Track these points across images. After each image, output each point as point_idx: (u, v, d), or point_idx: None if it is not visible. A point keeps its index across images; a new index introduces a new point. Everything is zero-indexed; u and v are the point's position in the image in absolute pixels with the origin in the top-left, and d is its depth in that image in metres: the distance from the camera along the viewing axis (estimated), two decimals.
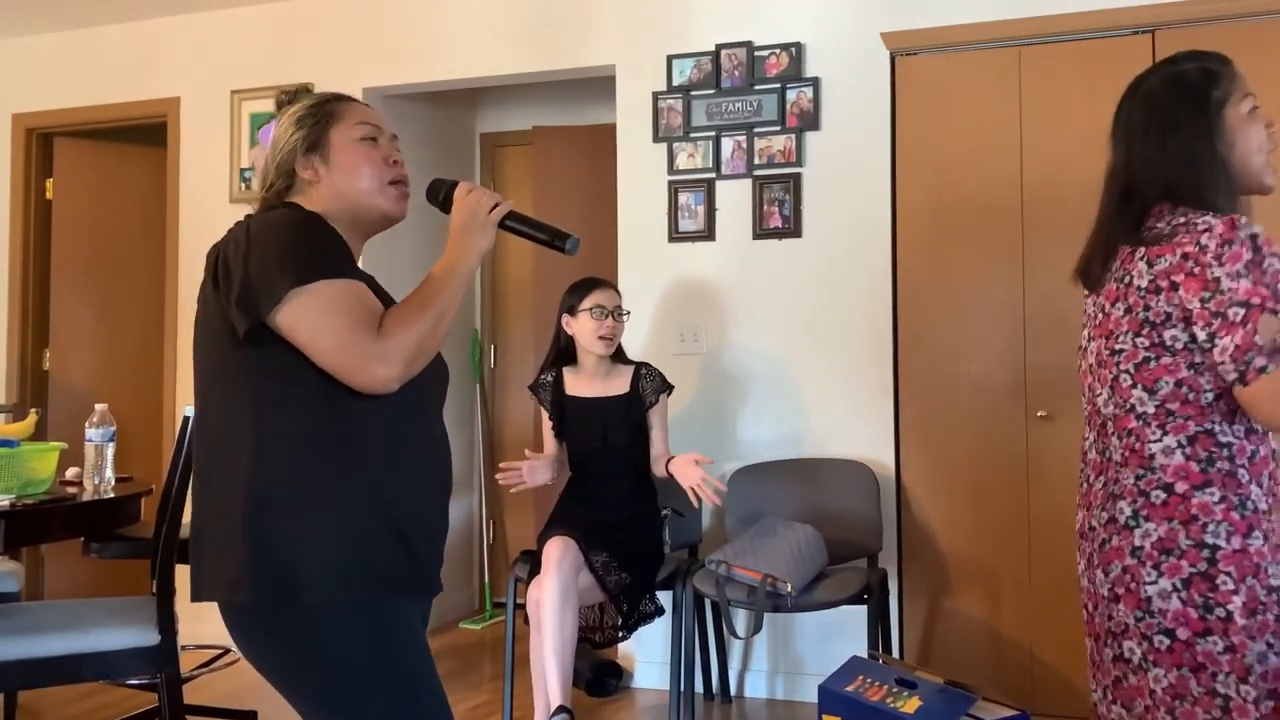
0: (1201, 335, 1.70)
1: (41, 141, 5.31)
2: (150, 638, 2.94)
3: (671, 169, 4.23)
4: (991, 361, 3.84)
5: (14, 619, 2.95)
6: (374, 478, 1.70)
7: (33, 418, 3.33)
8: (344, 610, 1.66)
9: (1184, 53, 1.90)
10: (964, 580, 3.86)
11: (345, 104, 1.88)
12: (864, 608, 3.57)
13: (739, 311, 4.16)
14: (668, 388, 3.76)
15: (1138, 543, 1.77)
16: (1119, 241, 1.85)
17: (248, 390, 1.68)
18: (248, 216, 1.76)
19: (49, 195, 5.32)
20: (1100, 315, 1.87)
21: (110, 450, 3.21)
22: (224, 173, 4.90)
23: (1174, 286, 1.73)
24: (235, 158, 4.88)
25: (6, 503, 2.86)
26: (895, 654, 3.85)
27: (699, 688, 3.96)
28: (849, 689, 2.79)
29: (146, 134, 5.25)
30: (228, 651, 4.26)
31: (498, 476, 3.60)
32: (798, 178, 4.07)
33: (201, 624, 4.03)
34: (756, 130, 4.12)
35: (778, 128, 4.10)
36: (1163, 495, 1.76)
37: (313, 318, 1.63)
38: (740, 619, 4.00)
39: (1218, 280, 1.68)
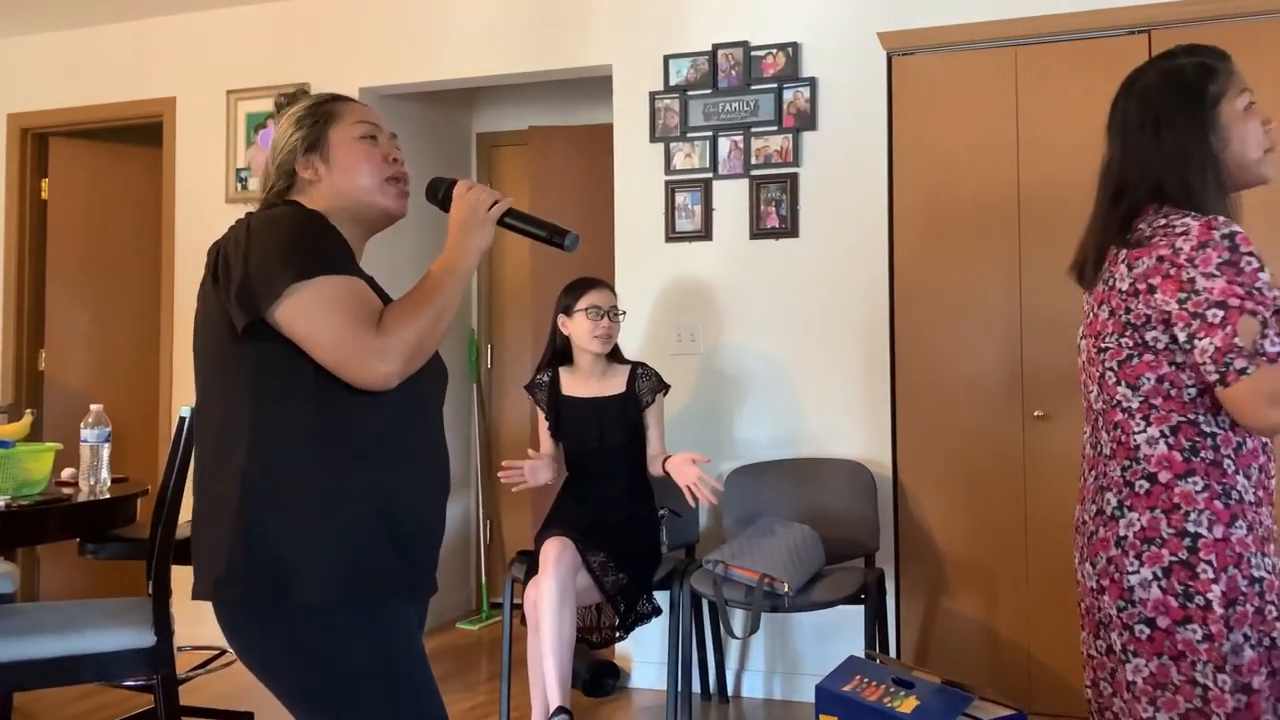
0: (1182, 336, 1.71)
1: (37, 141, 5.30)
2: (146, 639, 2.93)
3: (668, 169, 4.23)
4: (988, 361, 3.85)
5: (9, 620, 2.94)
6: (371, 476, 1.70)
7: (28, 418, 3.32)
8: (338, 609, 1.66)
9: (1181, 47, 1.90)
10: (961, 580, 3.86)
11: (344, 104, 1.88)
12: (861, 607, 3.57)
13: (736, 311, 4.16)
14: (664, 387, 3.76)
15: (1122, 533, 1.78)
16: (1108, 242, 1.86)
17: (246, 386, 1.68)
18: (249, 214, 1.76)
19: (44, 195, 5.31)
20: (1091, 315, 1.89)
21: (106, 451, 3.20)
22: (220, 173, 4.89)
23: (1151, 290, 1.74)
24: (231, 158, 4.88)
25: (1, 504, 2.85)
26: (892, 654, 3.85)
27: (696, 688, 3.96)
28: (846, 689, 2.79)
29: (142, 134, 5.24)
30: (224, 652, 4.25)
31: (500, 475, 3.59)
32: (794, 178, 4.08)
33: (198, 625, 4.03)
34: (753, 130, 4.12)
35: (774, 128, 4.10)
36: (1146, 485, 1.77)
37: (312, 313, 1.62)
38: (737, 619, 4.00)
39: (1193, 281, 1.69)
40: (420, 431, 1.79)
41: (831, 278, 4.03)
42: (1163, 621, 1.73)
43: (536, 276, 5.00)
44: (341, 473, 1.68)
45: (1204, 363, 1.68)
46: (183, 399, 4.80)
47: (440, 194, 1.86)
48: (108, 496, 3.13)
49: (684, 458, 3.49)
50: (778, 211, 4.09)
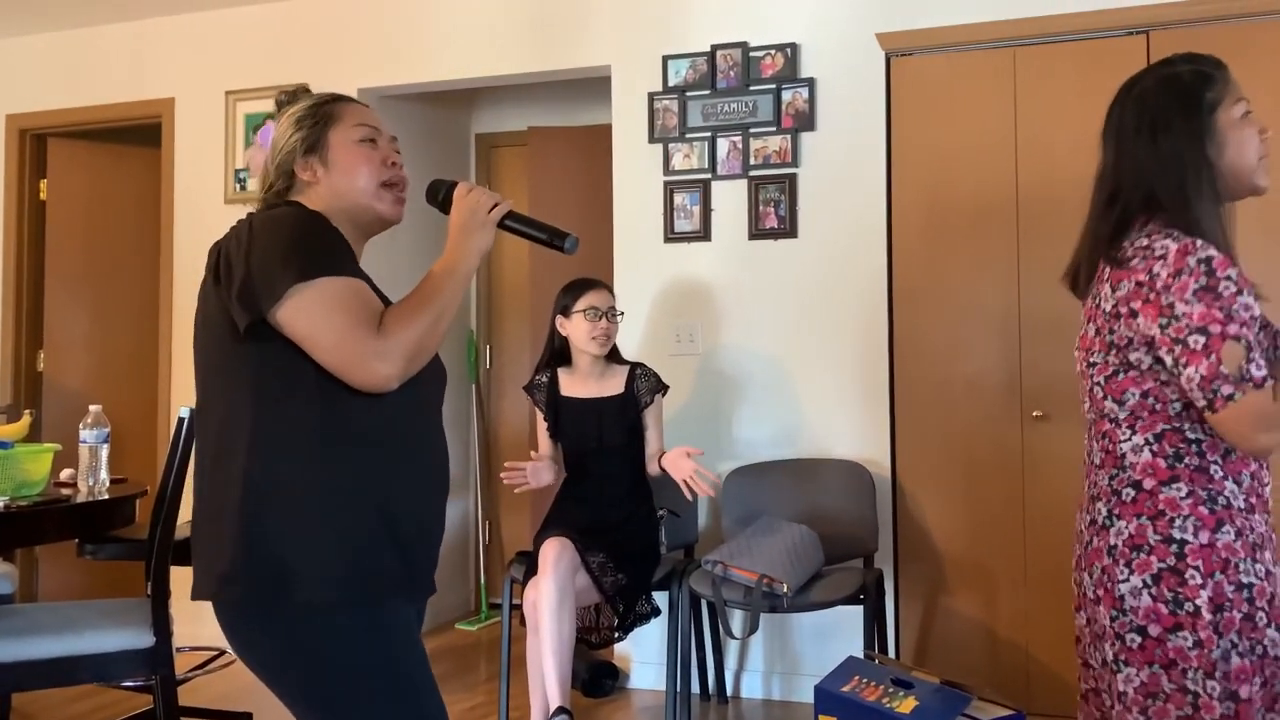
0: (1168, 360, 1.72)
1: (35, 142, 5.30)
2: (145, 639, 2.93)
3: (667, 169, 4.23)
4: (987, 361, 3.85)
5: (8, 621, 2.94)
6: (372, 475, 1.70)
7: (27, 419, 3.32)
8: (339, 609, 1.66)
9: (1179, 55, 1.90)
10: (960, 580, 3.86)
11: (344, 105, 1.88)
12: (860, 608, 3.57)
13: (735, 312, 4.16)
14: (663, 388, 3.76)
15: (1112, 541, 1.79)
16: (1098, 255, 1.86)
17: (247, 386, 1.68)
18: (250, 214, 1.76)
19: (43, 196, 5.31)
20: (1082, 328, 1.91)
21: (105, 452, 3.20)
22: (219, 174, 4.89)
23: (1133, 314, 1.75)
24: (230, 158, 4.88)
25: (1, 504, 2.85)
26: (891, 654, 3.85)
27: (695, 688, 3.96)
28: (845, 689, 2.79)
29: (141, 135, 5.23)
30: (223, 653, 4.25)
31: (502, 476, 3.59)
32: (793, 178, 4.08)
33: (197, 626, 4.03)
34: (752, 131, 4.12)
35: (773, 128, 4.10)
36: (1132, 493, 1.78)
37: (314, 314, 1.62)
38: (736, 619, 4.00)
39: (1172, 306, 1.70)
40: (420, 431, 1.79)
41: (830, 278, 4.04)
42: (1154, 629, 1.73)
43: (536, 277, 5.00)
44: (342, 472, 1.68)
45: (1191, 390, 1.69)
46: (182, 399, 4.80)
47: (440, 196, 1.86)
48: (106, 497, 3.13)
49: (679, 452, 3.49)
50: (776, 212, 4.09)
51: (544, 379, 3.79)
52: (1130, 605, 1.75)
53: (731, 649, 4.13)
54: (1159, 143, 1.81)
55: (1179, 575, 1.72)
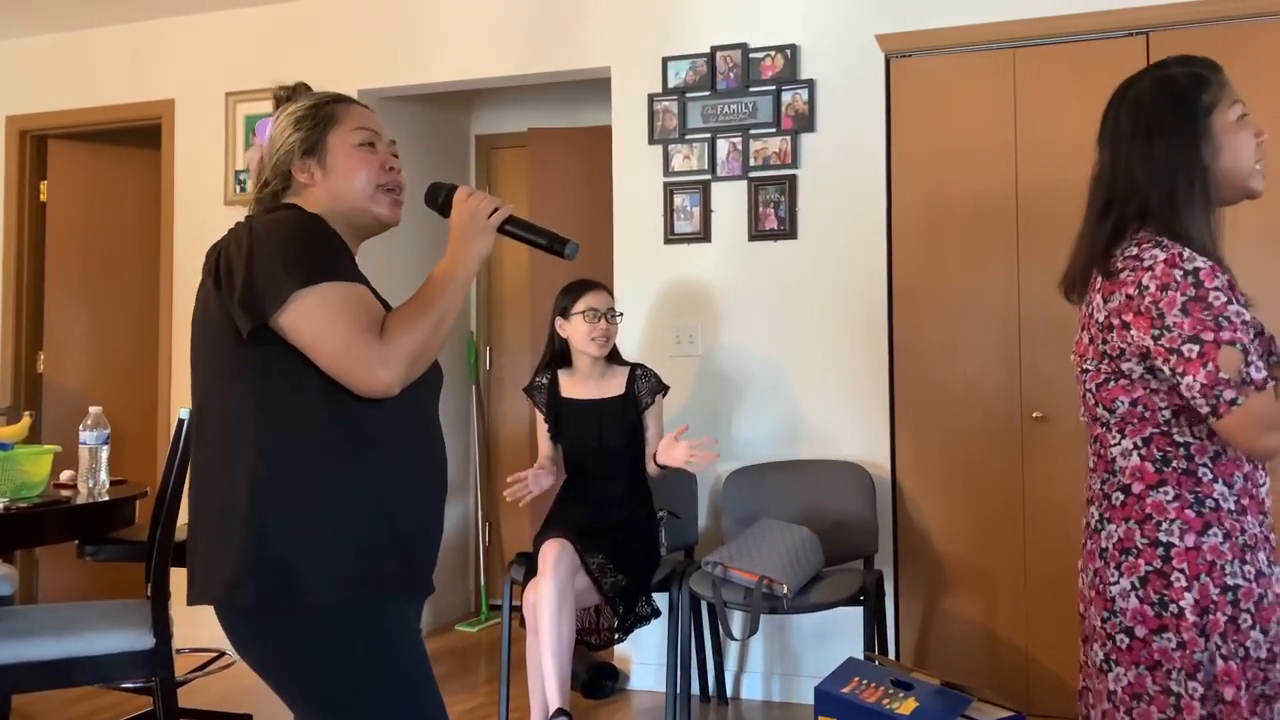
0: (1165, 371, 1.72)
1: (35, 144, 5.30)
2: (145, 641, 2.93)
3: (667, 171, 4.23)
4: (987, 363, 3.85)
5: (8, 622, 2.94)
6: (374, 477, 1.70)
7: (27, 420, 3.32)
8: (344, 611, 1.66)
9: (1174, 57, 1.89)
10: (960, 581, 3.86)
11: (344, 106, 1.87)
12: (860, 609, 3.57)
13: (735, 313, 4.16)
14: (663, 389, 3.76)
15: (1103, 544, 1.81)
16: (1092, 264, 1.87)
17: (249, 390, 1.68)
18: (248, 217, 1.75)
19: (43, 198, 5.31)
20: (1077, 334, 1.91)
21: (104, 453, 3.20)
22: (219, 175, 4.89)
23: (1125, 326, 1.76)
24: (230, 160, 4.88)
25: (1, 506, 2.85)
26: (891, 655, 3.85)
27: (695, 690, 3.96)
28: (845, 690, 2.79)
29: (141, 136, 5.24)
30: (223, 654, 4.25)
31: (505, 494, 3.57)
32: (793, 179, 4.08)
33: (196, 627, 4.03)
34: (752, 132, 4.13)
35: (773, 129, 4.10)
36: (1121, 497, 1.80)
37: (317, 319, 1.62)
38: (736, 621, 4.00)
39: (1162, 317, 1.70)
40: (420, 433, 1.80)
41: (830, 279, 4.04)
42: (1140, 631, 1.74)
43: (535, 279, 5.00)
44: (345, 474, 1.68)
45: (1193, 397, 1.69)
46: (182, 401, 4.80)
47: (439, 200, 1.86)
48: (106, 499, 3.13)
49: (666, 440, 3.48)
50: (776, 213, 4.09)
51: (544, 381, 3.79)
52: (1120, 607, 1.77)
53: (731, 650, 4.13)
54: (1154, 148, 1.81)
55: (1165, 578, 1.73)
